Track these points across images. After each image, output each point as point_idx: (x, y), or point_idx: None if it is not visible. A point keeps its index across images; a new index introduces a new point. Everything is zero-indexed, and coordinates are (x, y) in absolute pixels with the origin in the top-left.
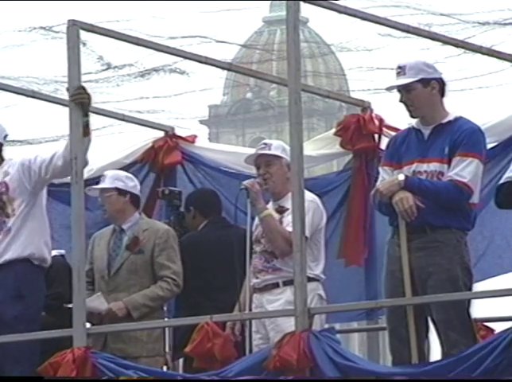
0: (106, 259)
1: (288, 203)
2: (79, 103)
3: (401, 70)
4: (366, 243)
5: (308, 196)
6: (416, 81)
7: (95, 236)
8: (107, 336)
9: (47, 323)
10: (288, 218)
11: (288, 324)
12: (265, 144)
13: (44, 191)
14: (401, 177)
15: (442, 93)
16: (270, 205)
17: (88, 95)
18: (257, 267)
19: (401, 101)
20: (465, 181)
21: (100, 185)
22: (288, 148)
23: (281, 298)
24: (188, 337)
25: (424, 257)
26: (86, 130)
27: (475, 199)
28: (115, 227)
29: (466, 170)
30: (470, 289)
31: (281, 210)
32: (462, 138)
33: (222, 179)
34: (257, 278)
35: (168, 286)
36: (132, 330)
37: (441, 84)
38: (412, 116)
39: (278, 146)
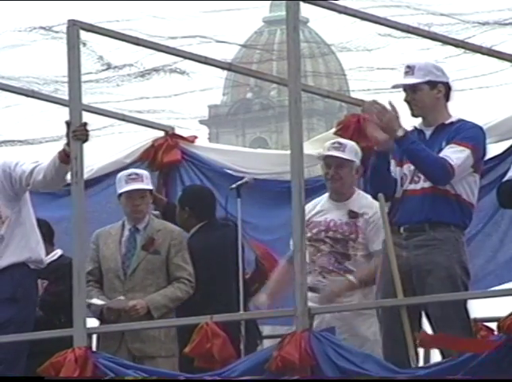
0: (121, 259)
1: (356, 207)
2: (79, 139)
3: (409, 70)
4: None
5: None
6: (424, 82)
7: (99, 235)
8: (124, 336)
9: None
10: (361, 221)
11: (364, 327)
12: (339, 144)
13: (27, 193)
14: (402, 132)
15: (447, 97)
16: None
17: (88, 132)
18: (327, 268)
19: (405, 100)
20: (452, 163)
21: (144, 186)
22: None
23: (352, 301)
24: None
25: (422, 255)
26: (65, 159)
27: (473, 199)
28: (127, 226)
29: (455, 155)
30: (467, 287)
31: (353, 215)
32: (460, 131)
33: (219, 179)
34: (324, 277)
35: (186, 288)
36: (132, 330)
37: (447, 88)
38: (413, 115)
39: (352, 149)
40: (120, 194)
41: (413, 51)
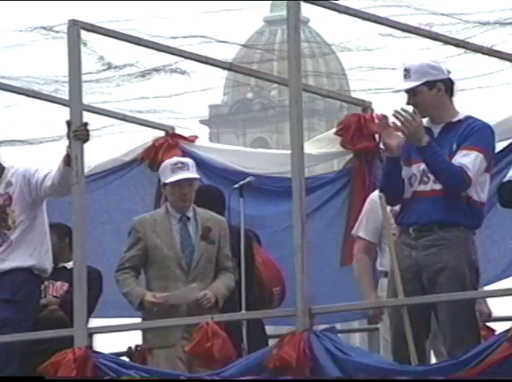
0: (180, 248)
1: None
2: (79, 139)
3: (406, 73)
4: None
5: None
6: (421, 84)
7: (142, 222)
8: (183, 333)
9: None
10: None
11: None
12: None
13: (44, 202)
14: (426, 141)
15: (451, 93)
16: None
17: (88, 132)
18: None
19: (408, 104)
20: (469, 173)
21: (191, 174)
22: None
23: None
24: None
25: (431, 255)
26: (67, 160)
27: (484, 198)
28: (174, 214)
29: (471, 163)
30: (476, 288)
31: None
32: (470, 133)
33: (220, 179)
34: None
35: (233, 278)
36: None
37: (448, 84)
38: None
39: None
40: (166, 183)
41: (414, 51)
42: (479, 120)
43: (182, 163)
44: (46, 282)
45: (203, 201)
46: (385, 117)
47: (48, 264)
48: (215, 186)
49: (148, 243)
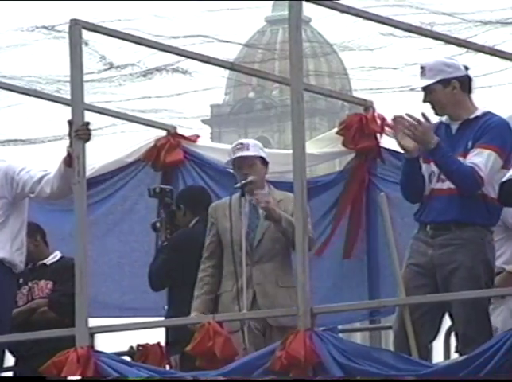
0: (246, 231)
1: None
2: (81, 139)
3: (422, 70)
4: (363, 239)
5: None
6: (436, 82)
7: (216, 207)
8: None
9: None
10: None
11: (492, 316)
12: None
13: (26, 200)
14: (434, 143)
15: (469, 89)
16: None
17: (90, 131)
18: None
19: (424, 101)
20: (481, 173)
21: (248, 153)
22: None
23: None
24: (182, 333)
25: (447, 254)
26: (68, 161)
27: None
28: (247, 197)
29: (483, 163)
30: (490, 288)
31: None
32: (485, 131)
33: (223, 179)
34: None
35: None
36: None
37: (465, 81)
38: (436, 114)
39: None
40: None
41: (415, 50)
42: (496, 116)
43: (242, 144)
44: (30, 284)
45: (185, 200)
46: (401, 118)
47: (19, 261)
48: (198, 186)
49: (219, 228)
